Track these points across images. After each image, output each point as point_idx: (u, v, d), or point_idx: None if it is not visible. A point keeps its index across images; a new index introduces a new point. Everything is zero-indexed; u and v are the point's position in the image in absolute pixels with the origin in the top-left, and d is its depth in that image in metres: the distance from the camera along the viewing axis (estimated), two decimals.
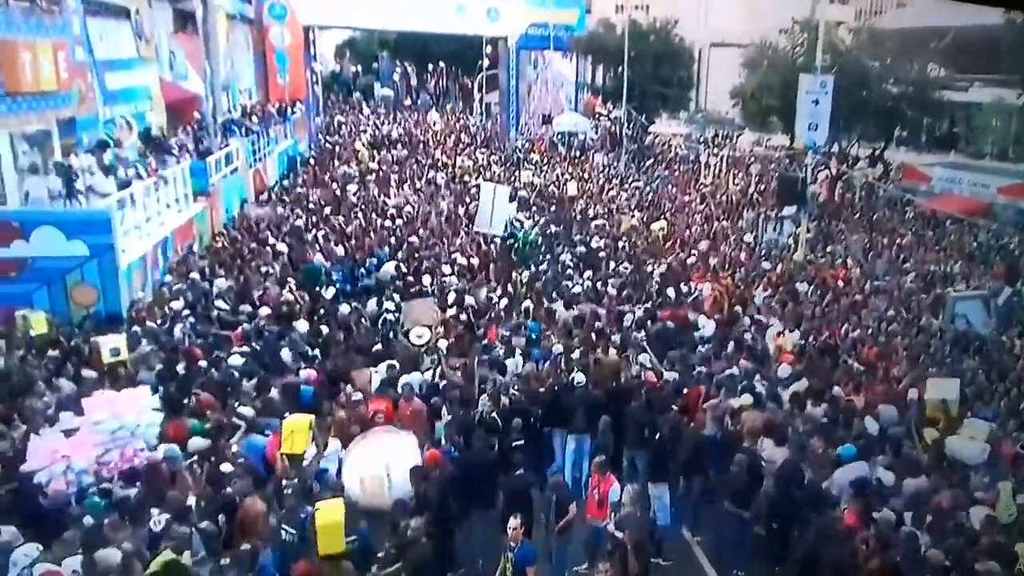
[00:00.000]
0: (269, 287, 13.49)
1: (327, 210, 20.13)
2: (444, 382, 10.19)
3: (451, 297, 13.63)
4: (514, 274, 15.48)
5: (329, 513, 6.45)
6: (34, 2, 14.14)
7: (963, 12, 26.47)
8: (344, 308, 12.98)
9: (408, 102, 50.93)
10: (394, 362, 10.53)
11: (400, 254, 16.26)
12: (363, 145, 31.47)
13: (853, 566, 7.08)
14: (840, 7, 39.00)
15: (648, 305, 14.08)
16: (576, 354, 11.16)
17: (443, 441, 8.85)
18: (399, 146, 33.12)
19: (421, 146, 33.80)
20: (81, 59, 16.11)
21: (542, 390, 10.21)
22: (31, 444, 7.58)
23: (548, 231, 19.95)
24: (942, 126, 31.81)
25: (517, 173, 28.02)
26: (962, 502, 8.04)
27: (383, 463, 7.99)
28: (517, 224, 18.32)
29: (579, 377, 10.06)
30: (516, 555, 7.01)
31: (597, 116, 39.76)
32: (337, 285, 14.32)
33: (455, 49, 49.51)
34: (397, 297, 13.42)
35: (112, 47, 18.26)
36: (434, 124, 40.61)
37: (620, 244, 19.16)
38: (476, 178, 25.83)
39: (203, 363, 10.15)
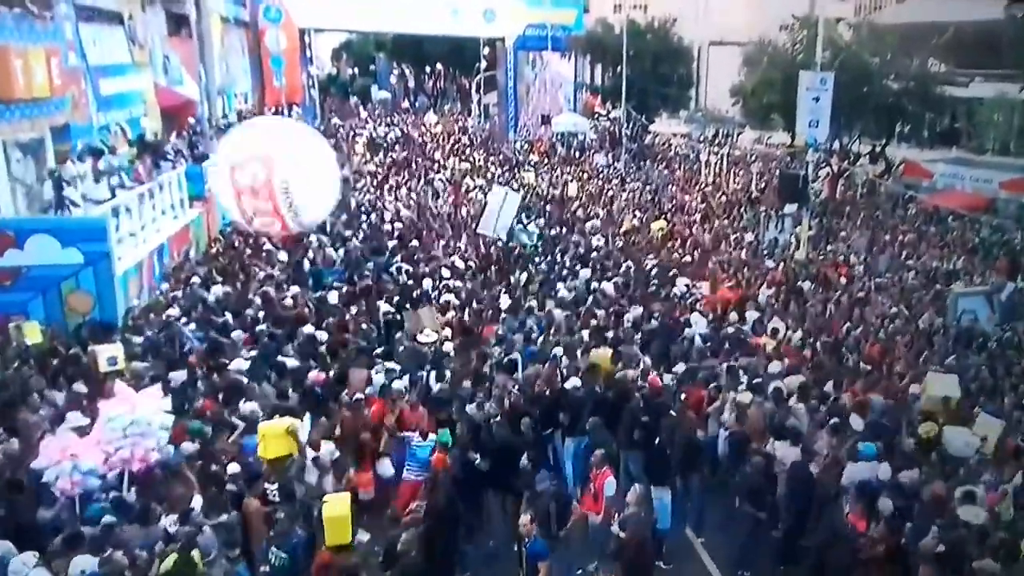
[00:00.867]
0: (268, 291, 13.37)
1: None
2: (448, 384, 10.12)
3: (451, 299, 13.52)
4: (512, 278, 15.35)
5: (336, 506, 6.77)
6: (26, 8, 14.04)
7: (963, 7, 26.40)
8: (345, 310, 12.85)
9: (406, 104, 50.75)
10: (393, 365, 10.47)
11: (399, 256, 16.12)
12: (361, 147, 31.36)
13: (862, 563, 7.05)
14: (839, 3, 38.94)
15: (647, 305, 13.91)
16: (576, 355, 11.02)
17: (450, 444, 8.73)
18: (397, 148, 33.02)
19: (419, 148, 33.68)
20: (74, 65, 16.03)
21: (548, 392, 10.04)
22: (44, 442, 7.54)
23: (548, 232, 19.83)
24: (943, 122, 31.61)
25: (516, 174, 27.91)
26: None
27: None
28: (521, 229, 18.07)
29: (575, 381, 9.98)
30: (528, 549, 7.16)
31: (596, 116, 39.66)
32: (338, 287, 14.18)
33: (452, 50, 49.39)
34: (397, 299, 13.31)
35: (105, 52, 18.19)
36: (432, 126, 40.47)
37: (620, 244, 19.00)
38: (476, 179, 25.69)
39: (203, 370, 10.01)
